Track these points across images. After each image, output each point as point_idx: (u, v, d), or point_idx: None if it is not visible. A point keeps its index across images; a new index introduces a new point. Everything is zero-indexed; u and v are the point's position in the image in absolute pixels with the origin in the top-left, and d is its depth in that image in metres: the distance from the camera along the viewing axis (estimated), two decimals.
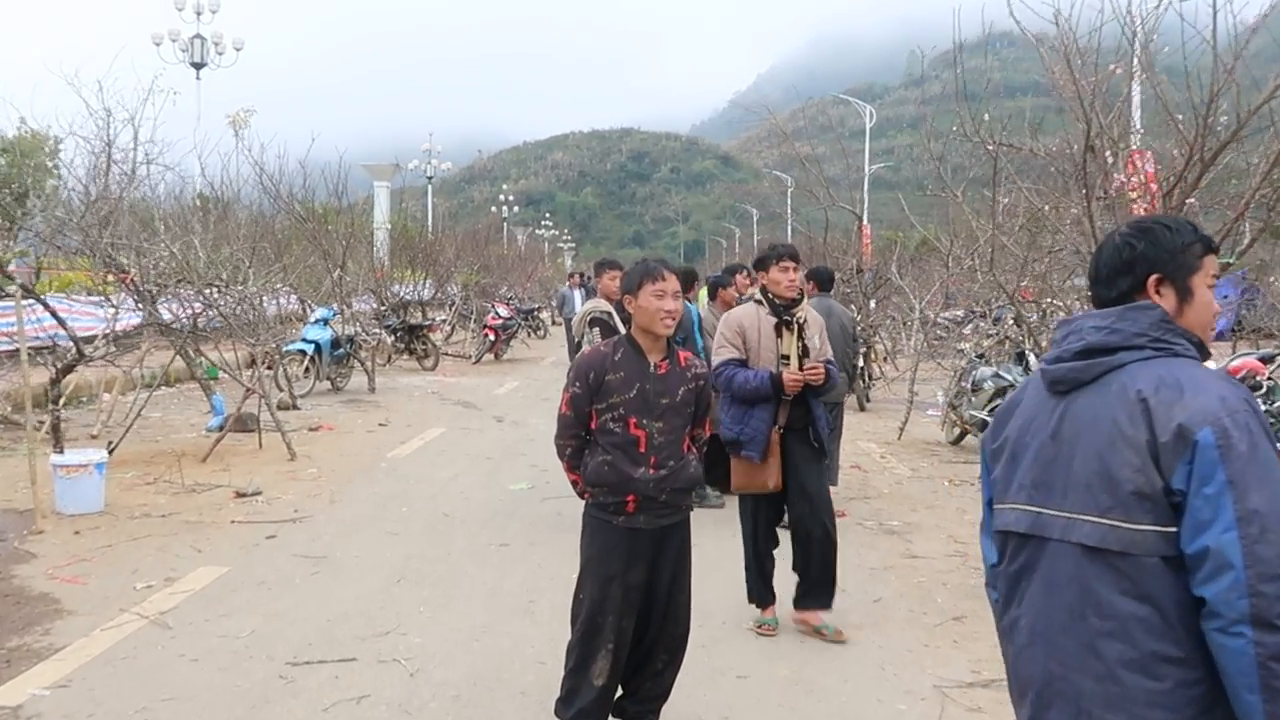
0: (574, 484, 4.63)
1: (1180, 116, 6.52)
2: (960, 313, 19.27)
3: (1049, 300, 11.75)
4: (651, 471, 4.38)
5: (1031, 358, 13.39)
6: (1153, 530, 2.19)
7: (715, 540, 7.92)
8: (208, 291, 12.67)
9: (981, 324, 16.86)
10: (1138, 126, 7.82)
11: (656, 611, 4.53)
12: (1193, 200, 6.45)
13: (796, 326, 6.18)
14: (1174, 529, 2.18)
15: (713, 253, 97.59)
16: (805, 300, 6.35)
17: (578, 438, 4.53)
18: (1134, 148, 7.36)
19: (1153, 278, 2.39)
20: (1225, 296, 17.96)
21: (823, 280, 10.11)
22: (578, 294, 20.28)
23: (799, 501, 6.18)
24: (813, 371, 5.99)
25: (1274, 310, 20.79)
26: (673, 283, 4.44)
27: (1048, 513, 2.39)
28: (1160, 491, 2.18)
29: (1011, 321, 15.81)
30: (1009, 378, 12.33)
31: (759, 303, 6.28)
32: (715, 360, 6.15)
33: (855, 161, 40.56)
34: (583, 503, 4.61)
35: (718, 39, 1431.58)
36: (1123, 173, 7.19)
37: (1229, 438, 2.12)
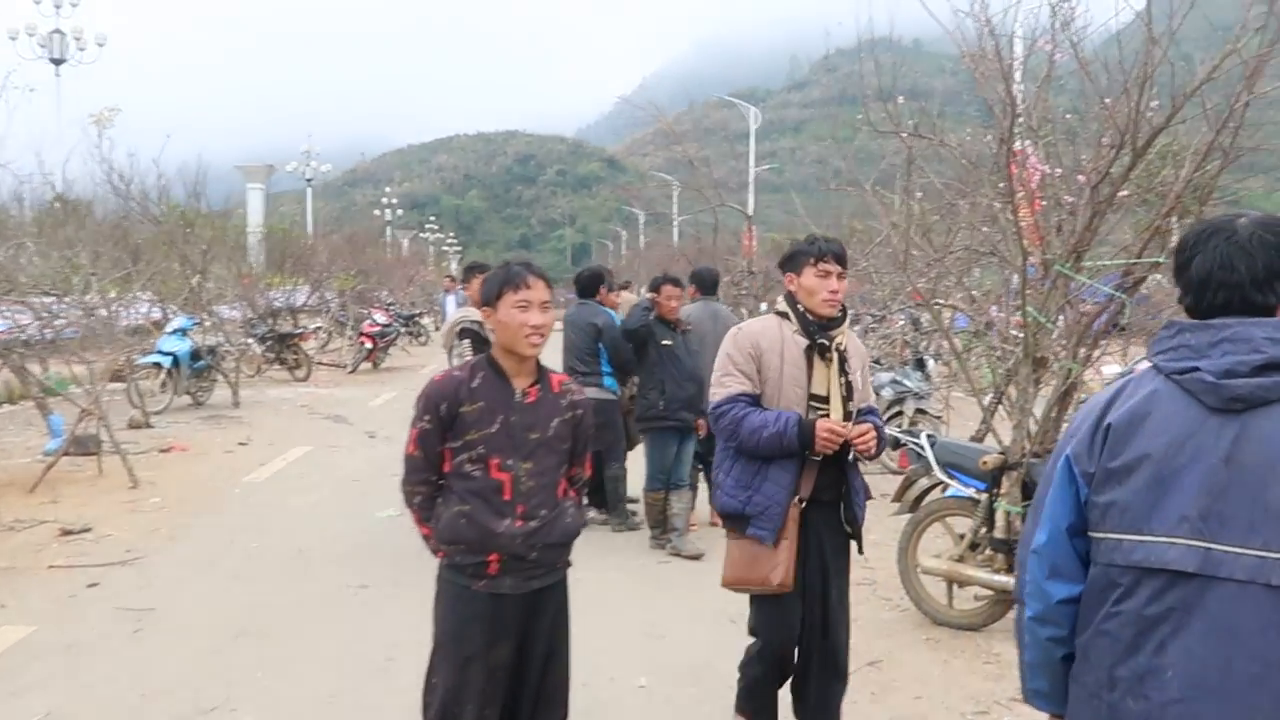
0: (425, 539, 3.76)
1: (1109, 100, 5.94)
2: (852, 313, 18.92)
3: (938, 302, 11.25)
4: (519, 524, 3.52)
5: (930, 362, 12.94)
6: None
7: (625, 597, 7.11)
8: (45, 300, 11.51)
9: (877, 328, 16.45)
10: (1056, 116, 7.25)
11: (527, 695, 3.66)
12: (1125, 193, 5.90)
13: (837, 355, 4.32)
14: None
15: (599, 256, 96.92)
16: (847, 322, 4.45)
17: (428, 483, 3.65)
18: (1024, 149, 6.83)
19: None
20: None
21: (706, 283, 9.35)
22: (451, 299, 19.05)
23: (812, 609, 4.35)
24: (862, 437, 4.21)
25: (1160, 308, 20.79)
26: (539, 291, 3.56)
27: (1220, 549, 2.09)
28: None
29: (903, 323, 15.42)
30: (908, 384, 11.84)
31: (783, 315, 4.40)
32: (716, 393, 4.34)
33: (741, 164, 40.32)
34: None
35: (603, 43, 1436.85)
36: (1028, 166, 6.66)
37: None
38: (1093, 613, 2.26)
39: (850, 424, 4.25)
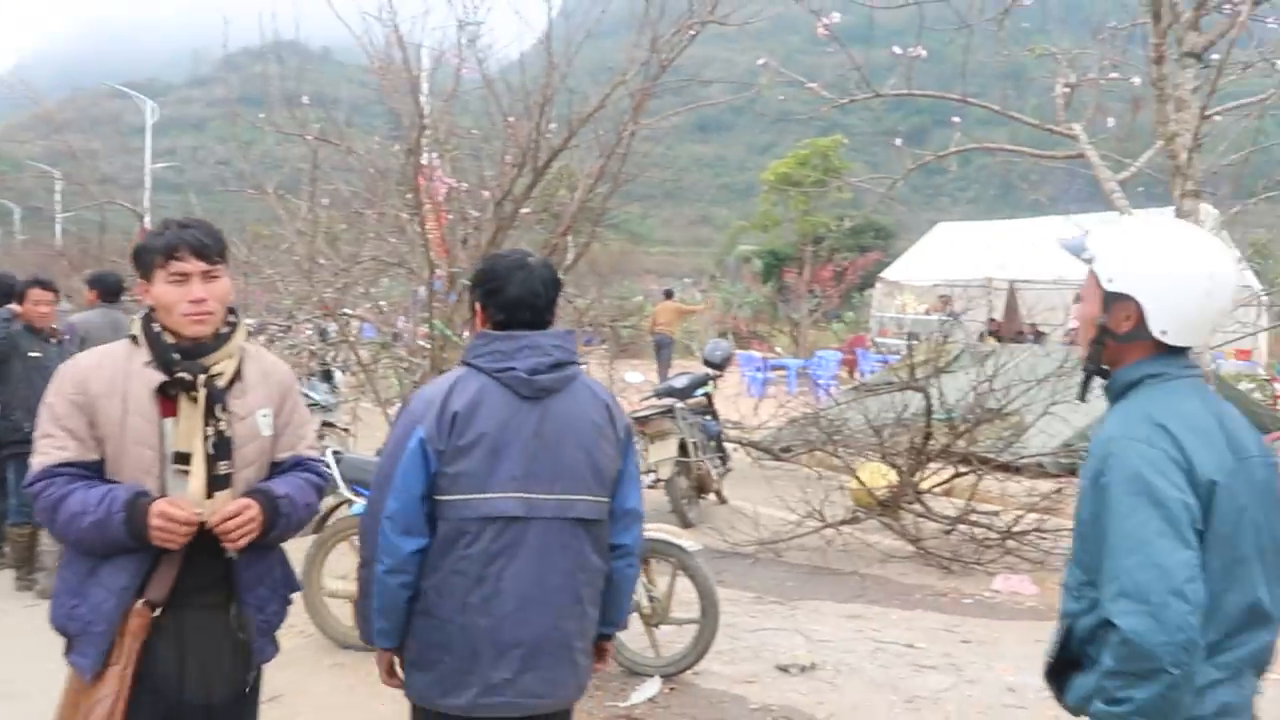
0: None
1: (512, 119, 6.09)
2: (253, 322, 18.10)
3: (345, 312, 11.04)
4: None
5: (339, 374, 12.65)
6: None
7: None
8: None
9: (283, 338, 15.83)
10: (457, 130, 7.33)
11: None
12: (526, 210, 6.07)
13: (203, 393, 2.90)
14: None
15: None
16: (241, 336, 3.05)
17: None
18: (431, 163, 6.90)
19: None
20: None
21: (108, 288, 8.37)
22: None
23: None
24: (232, 523, 2.84)
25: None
26: None
27: (536, 497, 2.97)
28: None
29: (310, 333, 14.98)
30: (314, 396, 11.46)
31: (134, 341, 2.96)
32: (33, 463, 2.89)
33: (137, 159, 37.37)
34: None
35: None
36: (436, 179, 6.68)
37: None
38: (444, 558, 2.90)
39: (225, 497, 2.90)
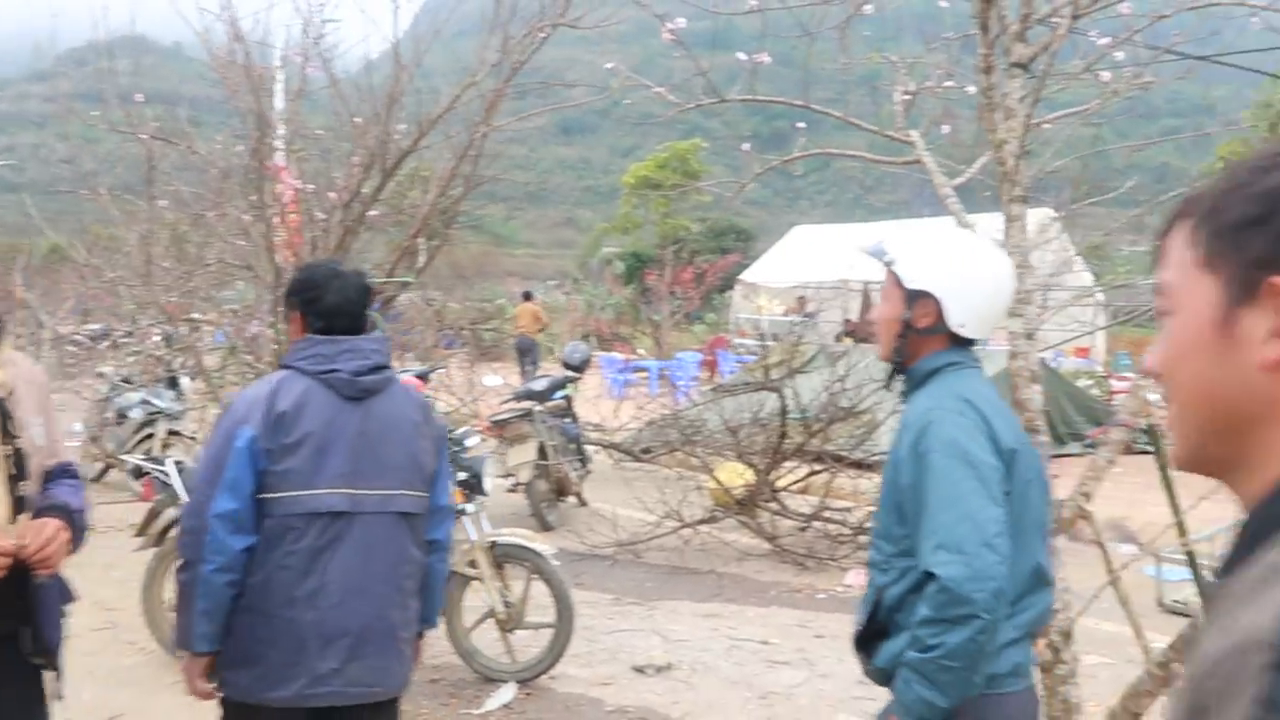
0: None
1: (359, 120, 5.97)
2: (98, 326, 17.42)
3: (194, 317, 10.70)
4: None
5: (185, 380, 12.23)
6: None
7: None
8: None
9: (125, 341, 15.27)
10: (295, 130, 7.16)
11: None
12: (375, 212, 5.95)
13: None
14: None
15: None
16: (8, 345, 2.91)
17: None
18: (280, 163, 6.73)
19: None
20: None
21: None
22: None
23: None
24: (39, 552, 2.60)
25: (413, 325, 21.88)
26: None
27: (361, 492, 3.08)
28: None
29: (158, 339, 14.47)
30: (159, 404, 11.05)
31: None
32: None
33: None
34: None
35: None
36: (282, 180, 6.51)
37: None
38: (271, 554, 2.95)
39: (24, 519, 2.65)
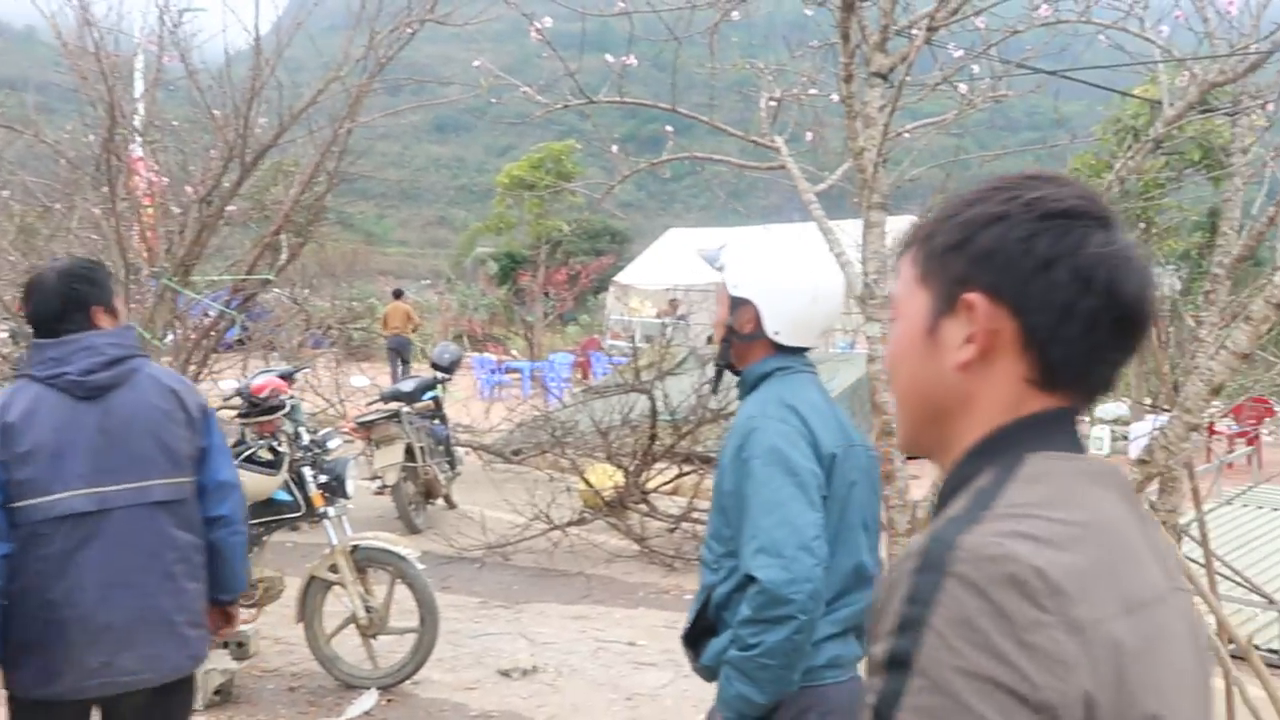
0: None
1: (218, 113, 5.78)
2: None
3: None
4: None
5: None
6: None
7: None
8: None
9: None
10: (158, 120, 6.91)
11: None
12: (235, 208, 5.78)
13: None
14: None
15: None
16: None
17: None
18: (136, 155, 6.51)
19: None
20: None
21: None
22: None
23: None
24: None
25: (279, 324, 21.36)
26: None
27: (109, 490, 3.06)
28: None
29: (3, 336, 13.79)
30: None
31: None
32: None
33: None
34: None
35: None
36: (137, 172, 6.29)
37: None
38: (26, 559, 2.95)
39: None
